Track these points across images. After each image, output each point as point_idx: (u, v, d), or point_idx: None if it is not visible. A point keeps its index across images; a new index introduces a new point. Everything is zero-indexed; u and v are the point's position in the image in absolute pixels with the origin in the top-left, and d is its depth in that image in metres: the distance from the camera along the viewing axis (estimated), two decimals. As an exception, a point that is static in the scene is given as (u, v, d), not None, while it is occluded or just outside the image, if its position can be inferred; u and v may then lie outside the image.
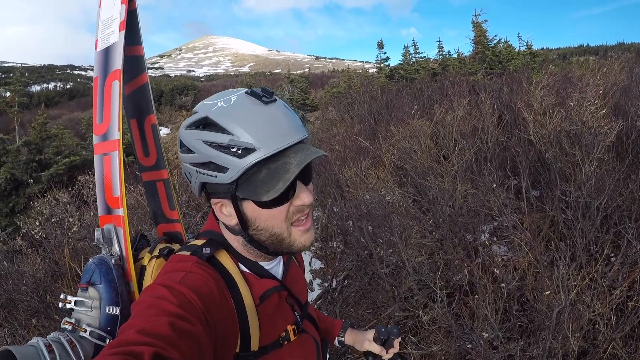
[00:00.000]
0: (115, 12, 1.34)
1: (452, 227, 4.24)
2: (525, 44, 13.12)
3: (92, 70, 1.40)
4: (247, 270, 1.08)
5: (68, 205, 6.92)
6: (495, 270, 3.40)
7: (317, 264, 5.31)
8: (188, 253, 1.03)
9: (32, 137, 9.82)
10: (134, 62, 1.48)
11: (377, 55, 14.77)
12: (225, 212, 1.02)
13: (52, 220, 6.41)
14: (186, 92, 28.60)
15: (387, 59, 14.82)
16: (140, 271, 1.25)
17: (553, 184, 4.24)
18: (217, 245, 1.07)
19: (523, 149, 4.94)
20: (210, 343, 0.84)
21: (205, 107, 0.97)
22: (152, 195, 1.57)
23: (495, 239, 4.44)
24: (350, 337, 1.56)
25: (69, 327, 1.09)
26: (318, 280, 5.00)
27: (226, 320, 0.94)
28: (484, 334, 2.94)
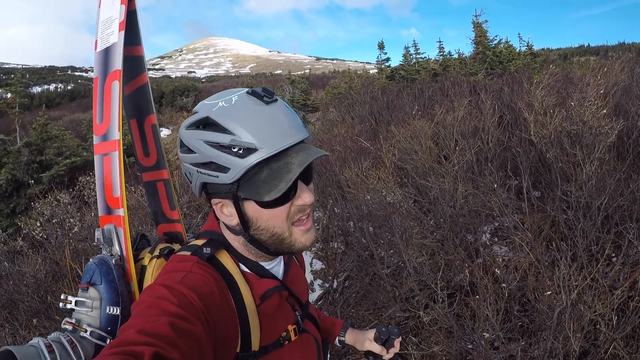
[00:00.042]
0: (114, 12, 1.35)
1: (453, 228, 4.24)
2: (525, 44, 13.10)
3: (92, 71, 1.41)
4: (248, 270, 1.08)
5: (69, 206, 6.93)
6: (496, 270, 3.40)
7: (318, 265, 5.31)
8: (188, 253, 1.03)
9: (33, 138, 9.82)
10: (133, 62, 1.48)
11: (378, 56, 14.78)
12: (226, 212, 1.02)
13: (53, 221, 6.42)
14: (187, 93, 28.63)
15: (387, 59, 14.82)
16: (141, 271, 1.25)
17: (554, 184, 4.24)
18: (218, 245, 1.07)
19: (524, 149, 4.93)
20: (210, 343, 0.84)
21: (206, 107, 0.97)
22: (153, 195, 1.57)
23: (496, 239, 4.43)
24: (351, 337, 1.56)
25: (70, 327, 1.09)
26: (319, 281, 4.99)
27: (226, 321, 0.93)
28: (485, 334, 2.94)
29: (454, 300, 3.58)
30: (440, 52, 14.42)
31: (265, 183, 0.93)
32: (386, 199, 5.06)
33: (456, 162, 4.84)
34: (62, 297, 1.14)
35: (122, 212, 1.26)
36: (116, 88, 1.29)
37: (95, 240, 1.29)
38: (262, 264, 1.11)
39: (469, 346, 3.17)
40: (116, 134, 1.27)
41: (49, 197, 7.38)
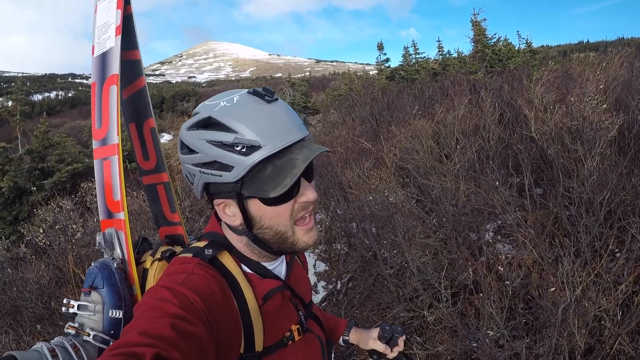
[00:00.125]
0: (111, 17, 1.35)
1: (456, 227, 4.23)
2: (525, 41, 13.11)
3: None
4: (250, 271, 1.08)
5: (71, 212, 6.94)
6: (499, 268, 3.39)
7: (322, 267, 5.30)
8: (190, 255, 1.03)
9: (34, 146, 9.83)
10: (131, 66, 1.49)
11: (378, 57, 14.79)
12: (229, 212, 1.02)
13: (56, 227, 6.43)
14: (188, 98, 28.72)
15: (387, 60, 14.84)
16: (143, 274, 1.25)
17: (556, 180, 4.23)
18: (219, 246, 1.06)
19: (525, 146, 4.93)
20: (212, 344, 0.84)
21: (208, 108, 0.97)
22: (153, 198, 1.57)
23: (499, 237, 4.43)
24: (354, 336, 1.56)
25: (73, 332, 1.09)
26: (323, 283, 4.99)
27: (229, 322, 0.93)
28: (489, 332, 2.93)
29: (457, 299, 3.57)
30: (439, 51, 14.43)
31: (270, 180, 0.93)
32: (388, 199, 5.05)
33: (457, 161, 4.84)
34: (64, 301, 1.14)
35: (122, 215, 1.26)
36: (114, 92, 1.29)
37: (97, 245, 1.29)
38: (265, 264, 1.11)
39: (473, 345, 3.16)
40: (115, 138, 1.28)
41: (52, 203, 7.40)
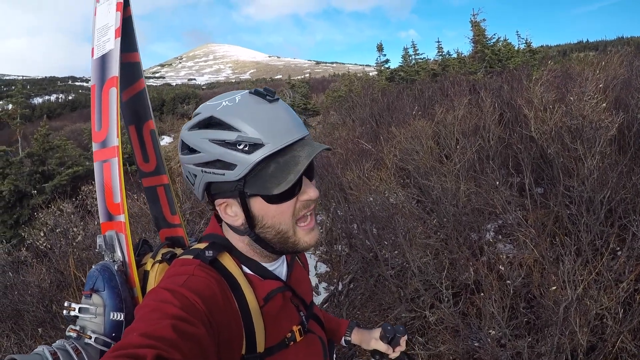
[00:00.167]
0: (110, 19, 1.35)
1: (457, 227, 4.23)
2: (524, 41, 13.12)
3: (91, 80, 1.41)
4: (251, 272, 1.08)
5: (72, 216, 6.95)
6: (500, 268, 3.39)
7: (323, 268, 5.30)
8: (191, 257, 1.03)
9: (35, 149, 9.84)
10: (130, 68, 1.49)
11: (377, 58, 14.82)
12: (231, 212, 1.02)
13: (57, 230, 6.44)
14: (188, 100, 28.73)
15: (387, 61, 14.86)
16: (144, 276, 1.25)
17: (556, 179, 4.23)
18: (220, 248, 1.06)
19: (525, 145, 4.93)
20: (213, 345, 0.84)
21: (209, 108, 0.98)
22: (153, 200, 1.57)
23: (500, 236, 4.43)
24: (356, 337, 1.56)
25: (74, 335, 1.09)
26: (324, 284, 4.99)
27: (230, 323, 0.93)
28: (491, 332, 2.93)
29: (459, 299, 3.57)
30: (439, 52, 14.45)
31: (274, 177, 0.94)
32: (389, 200, 5.05)
33: (458, 161, 4.84)
34: (65, 304, 1.14)
35: (123, 218, 1.26)
36: (114, 95, 1.29)
37: (97, 247, 1.29)
38: (265, 265, 1.10)
39: (475, 344, 3.16)
40: (115, 141, 1.28)
41: (52, 207, 7.41)
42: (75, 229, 6.33)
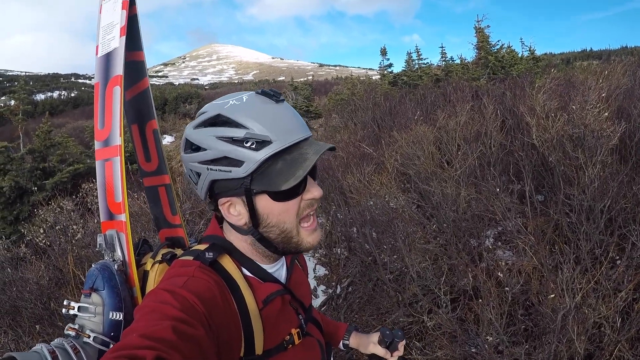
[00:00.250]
0: (115, 17, 1.36)
1: (456, 232, 4.23)
2: (528, 49, 13.11)
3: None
4: (251, 275, 1.08)
5: (72, 213, 6.94)
6: (499, 274, 3.39)
7: (322, 271, 5.30)
8: (191, 258, 1.03)
9: (36, 145, 9.85)
10: (134, 67, 1.49)
11: (380, 62, 14.85)
12: (234, 211, 1.03)
13: (56, 227, 6.43)
14: (190, 100, 28.72)
15: (390, 65, 14.89)
16: (143, 276, 1.25)
17: (557, 187, 4.23)
18: (220, 249, 1.06)
19: (526, 153, 4.93)
20: (212, 346, 0.84)
21: (216, 106, 0.99)
22: (154, 200, 1.57)
23: (499, 243, 4.43)
24: (354, 340, 1.56)
25: (73, 333, 1.09)
26: (322, 287, 4.98)
27: (229, 325, 0.93)
28: (488, 338, 2.92)
29: (457, 305, 3.57)
30: (442, 57, 14.48)
31: (281, 173, 0.95)
32: (389, 204, 5.05)
33: (459, 167, 4.84)
34: (64, 302, 1.14)
35: (124, 217, 1.26)
36: (117, 93, 1.29)
37: (97, 246, 1.28)
38: (265, 267, 1.11)
39: (472, 350, 3.16)
40: (117, 140, 1.28)
41: (52, 204, 7.40)
42: (74, 227, 6.32)
